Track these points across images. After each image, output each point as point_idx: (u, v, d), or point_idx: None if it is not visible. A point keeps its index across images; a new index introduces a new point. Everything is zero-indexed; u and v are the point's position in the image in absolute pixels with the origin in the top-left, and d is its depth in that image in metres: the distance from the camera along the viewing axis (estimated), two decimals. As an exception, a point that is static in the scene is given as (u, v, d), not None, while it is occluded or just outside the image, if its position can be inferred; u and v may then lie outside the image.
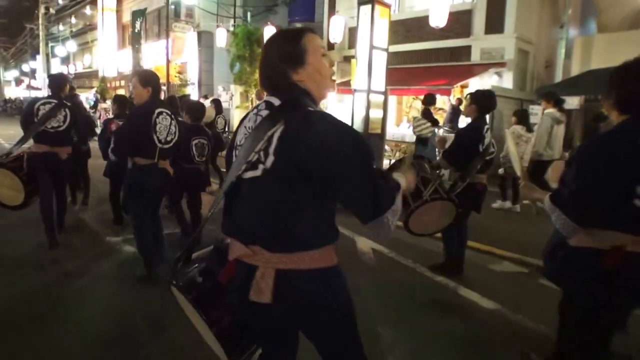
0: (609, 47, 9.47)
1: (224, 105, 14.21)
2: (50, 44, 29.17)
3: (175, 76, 17.37)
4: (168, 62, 13.19)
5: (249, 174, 1.37)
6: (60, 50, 26.62)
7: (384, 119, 8.49)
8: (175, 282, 1.52)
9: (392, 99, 11.86)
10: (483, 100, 3.74)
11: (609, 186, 1.67)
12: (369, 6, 8.16)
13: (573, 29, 10.36)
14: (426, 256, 4.21)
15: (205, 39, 17.03)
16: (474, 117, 3.75)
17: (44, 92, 22.61)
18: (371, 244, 4.57)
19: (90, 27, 27.02)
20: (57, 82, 4.23)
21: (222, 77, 15.70)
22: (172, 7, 16.71)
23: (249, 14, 15.47)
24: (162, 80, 16.98)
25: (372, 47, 8.19)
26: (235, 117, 14.47)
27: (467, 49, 11.03)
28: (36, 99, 4.22)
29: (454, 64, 11.05)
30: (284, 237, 1.35)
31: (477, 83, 10.65)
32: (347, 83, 11.12)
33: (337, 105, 13.61)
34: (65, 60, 28.54)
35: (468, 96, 3.97)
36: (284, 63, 1.42)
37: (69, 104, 4.19)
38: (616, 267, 1.69)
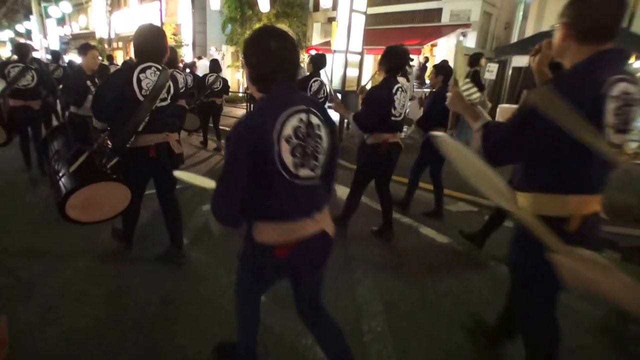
0: (559, 9, 10.70)
1: (216, 64, 15.30)
2: (42, 4, 29.06)
3: (171, 37, 18.18)
4: (162, 24, 14.13)
5: (162, 104, 2.86)
6: (54, 10, 26.65)
7: (359, 77, 9.76)
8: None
9: (369, 58, 13.05)
10: (316, 60, 5.21)
11: (377, 110, 3.42)
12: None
13: (531, -8, 11.54)
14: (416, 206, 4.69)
15: (198, 1, 17.79)
16: (311, 72, 5.18)
17: (42, 53, 23.07)
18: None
19: (83, -12, 27.12)
20: (23, 51, 5.43)
21: (215, 38, 16.59)
22: (165, -31, 17.34)
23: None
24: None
25: (351, 10, 9.29)
26: (228, 76, 15.55)
27: (438, 11, 12.21)
28: (6, 63, 5.41)
29: (426, 25, 12.24)
30: (180, 126, 3.41)
31: (445, 42, 11.90)
32: (328, 43, 12.26)
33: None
34: (61, 21, 28.53)
35: (308, 57, 5.42)
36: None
37: (33, 66, 5.39)
38: (385, 149, 3.55)
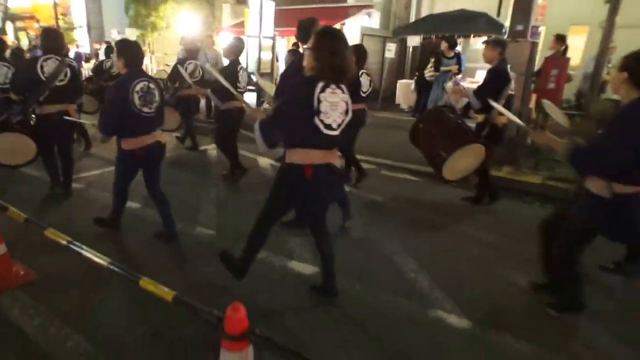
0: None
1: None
2: None
3: (60, 18, 16.69)
4: (55, 4, 13.14)
5: (61, 83, 4.19)
6: None
7: (272, 60, 10.14)
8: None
9: (283, 40, 13.35)
10: (187, 45, 6.78)
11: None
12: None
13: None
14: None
15: (89, -22, 16.55)
16: (185, 57, 6.42)
17: None
18: (269, 161, 6.28)
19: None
20: None
21: (115, 20, 15.70)
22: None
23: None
24: (46, 22, 16.30)
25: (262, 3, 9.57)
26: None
27: (344, -8, 12.80)
28: None
29: (333, 5, 12.79)
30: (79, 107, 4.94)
31: (352, 23, 12.57)
32: (240, 24, 12.32)
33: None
34: None
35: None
36: None
37: None
38: (234, 113, 5.14)
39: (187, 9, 13.58)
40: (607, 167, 2.23)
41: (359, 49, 5.09)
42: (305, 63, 2.46)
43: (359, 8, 12.44)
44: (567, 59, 6.98)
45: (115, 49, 3.39)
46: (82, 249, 2.12)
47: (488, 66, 4.46)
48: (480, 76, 11.65)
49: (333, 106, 2.38)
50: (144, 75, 3.35)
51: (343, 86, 2.46)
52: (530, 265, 3.17)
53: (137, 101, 3.23)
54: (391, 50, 10.56)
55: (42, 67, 4.12)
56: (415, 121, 4.63)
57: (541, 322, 2.75)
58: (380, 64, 12.15)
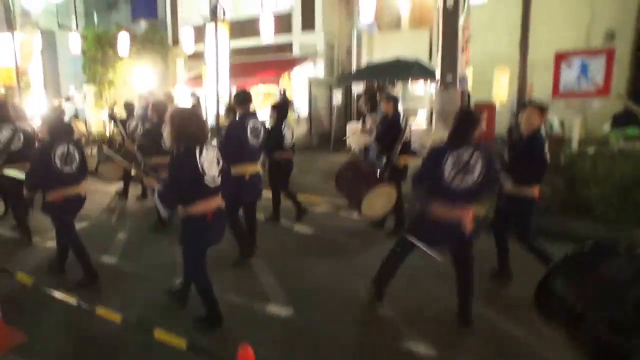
0: (383, 42, 13.34)
1: (78, 106, 14.86)
2: None
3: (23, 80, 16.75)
4: (18, 68, 13.52)
5: (16, 148, 5.05)
6: None
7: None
8: None
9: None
10: (128, 107, 7.56)
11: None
12: (213, 23, 10.24)
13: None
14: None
15: (46, 39, 16.86)
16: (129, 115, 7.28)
17: None
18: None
19: None
20: None
21: (71, 76, 16.07)
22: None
23: (95, 14, 15.86)
24: (2, 82, 16.42)
25: (217, 61, 10.39)
26: (91, 116, 15.20)
27: (289, 45, 13.93)
28: None
29: (280, 58, 13.87)
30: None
31: (299, 73, 13.66)
32: (197, 78, 13.08)
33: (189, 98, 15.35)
34: None
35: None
36: None
37: None
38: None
39: (142, 64, 14.27)
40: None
41: (280, 107, 5.85)
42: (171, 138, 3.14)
43: (303, 59, 13.56)
44: (494, 105, 8.35)
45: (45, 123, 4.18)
46: (93, 307, 2.58)
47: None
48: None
49: (210, 162, 3.04)
50: (65, 140, 3.99)
51: (210, 142, 3.16)
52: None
53: (58, 163, 3.89)
54: (338, 97, 11.71)
55: None
56: (337, 173, 5.19)
57: (493, 343, 3.15)
58: (328, 109, 13.26)
